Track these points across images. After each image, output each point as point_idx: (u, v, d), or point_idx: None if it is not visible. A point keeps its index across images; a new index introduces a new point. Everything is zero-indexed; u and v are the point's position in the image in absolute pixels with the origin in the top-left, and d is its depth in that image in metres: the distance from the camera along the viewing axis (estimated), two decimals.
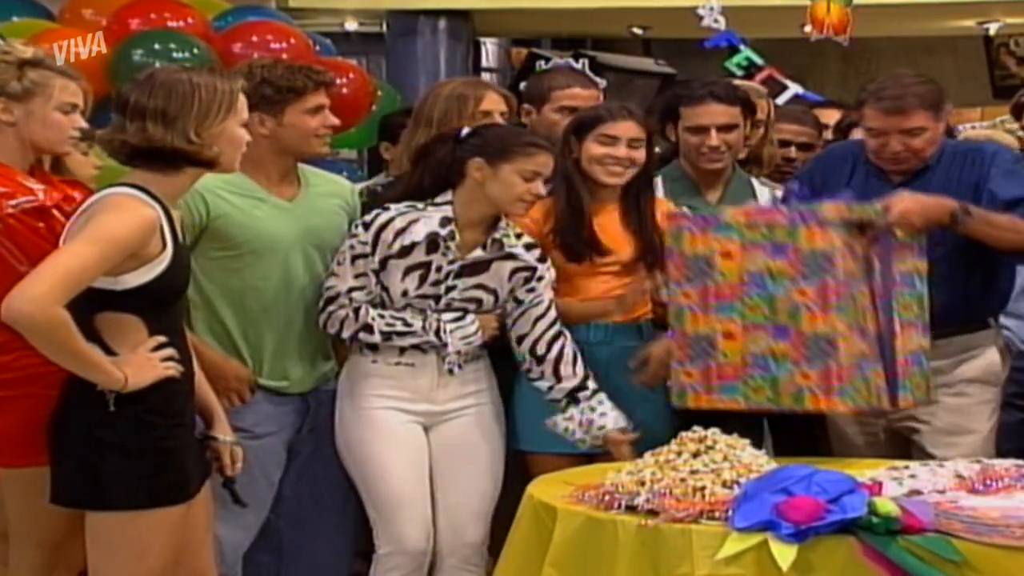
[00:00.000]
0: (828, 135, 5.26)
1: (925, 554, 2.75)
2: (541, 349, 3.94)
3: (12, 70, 3.39)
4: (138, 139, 3.14)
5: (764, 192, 4.51)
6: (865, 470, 3.27)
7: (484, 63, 10.80)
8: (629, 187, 4.10)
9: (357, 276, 3.87)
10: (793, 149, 5.04)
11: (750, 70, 5.87)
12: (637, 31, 10.57)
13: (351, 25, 9.96)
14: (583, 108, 4.45)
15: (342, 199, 4.11)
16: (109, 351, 3.13)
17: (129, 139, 3.15)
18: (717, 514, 2.89)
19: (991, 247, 3.88)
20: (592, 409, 3.89)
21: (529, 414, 4.02)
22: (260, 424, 3.91)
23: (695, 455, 3.08)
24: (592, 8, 9.18)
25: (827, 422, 4.07)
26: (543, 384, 3.94)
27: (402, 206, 3.89)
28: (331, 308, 3.88)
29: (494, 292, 3.93)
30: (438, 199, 3.89)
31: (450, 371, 3.91)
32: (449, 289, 3.89)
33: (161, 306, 3.20)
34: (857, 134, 4.47)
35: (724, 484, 2.98)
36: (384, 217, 3.87)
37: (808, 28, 6.02)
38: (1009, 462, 3.31)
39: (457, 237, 3.86)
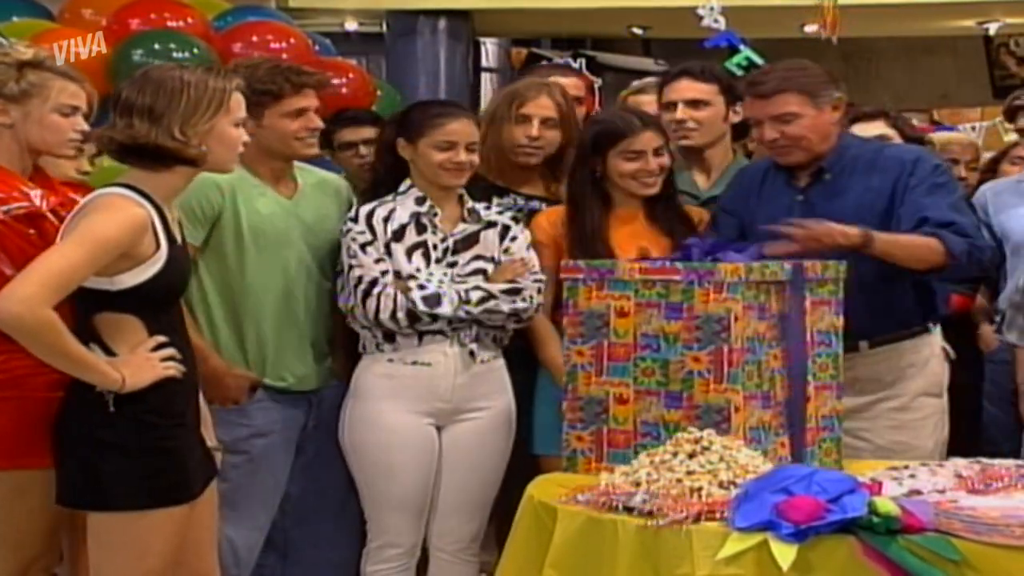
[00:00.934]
0: None
1: (925, 553, 2.75)
2: None
3: (10, 72, 3.38)
4: (124, 135, 3.14)
5: None
6: (865, 470, 3.28)
7: (484, 63, 10.81)
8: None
9: (377, 261, 3.89)
10: None
11: (750, 70, 5.86)
12: (637, 31, 10.58)
13: (351, 25, 9.96)
14: (571, 95, 4.51)
15: (336, 195, 4.13)
16: (109, 351, 3.13)
17: (116, 135, 3.15)
18: (717, 514, 2.89)
19: (908, 267, 3.76)
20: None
21: (546, 418, 4.02)
22: (266, 423, 3.92)
23: (691, 456, 3.06)
24: (592, 8, 9.19)
25: None
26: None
27: (375, 202, 3.98)
28: (376, 290, 3.87)
29: (492, 259, 3.99)
30: (401, 188, 3.99)
31: (471, 354, 3.92)
32: (451, 265, 3.94)
33: (159, 306, 3.19)
34: (856, 130, 4.46)
35: (721, 485, 2.97)
36: (367, 208, 3.96)
37: (816, 28, 6.03)
38: (1009, 462, 3.31)
39: (439, 212, 3.95)
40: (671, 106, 4.43)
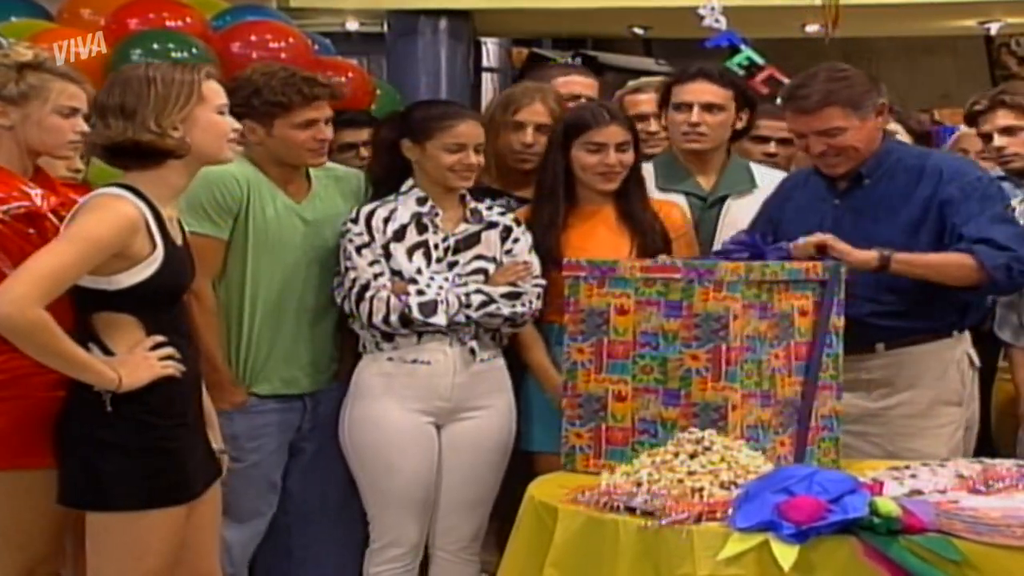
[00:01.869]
0: None
1: (926, 554, 2.75)
2: None
3: (10, 73, 3.38)
4: (102, 137, 3.16)
5: (765, 176, 4.47)
6: (866, 470, 3.28)
7: (485, 63, 10.81)
8: (620, 188, 4.12)
9: (372, 263, 3.89)
10: (772, 144, 5.05)
11: (751, 70, 5.85)
12: (638, 31, 10.56)
13: (352, 25, 9.96)
14: (583, 96, 4.50)
15: (354, 194, 4.12)
16: (107, 351, 3.13)
17: (95, 139, 3.17)
18: (718, 515, 2.89)
19: (943, 284, 3.71)
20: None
21: (538, 415, 4.03)
22: (257, 426, 3.91)
23: (692, 456, 3.06)
24: (593, 8, 9.18)
25: None
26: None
27: (376, 202, 3.98)
28: (369, 294, 3.87)
29: (493, 259, 3.99)
30: (403, 188, 3.99)
31: (472, 352, 3.91)
32: (452, 265, 3.92)
33: (157, 306, 3.19)
34: None
35: (722, 485, 2.98)
36: (367, 208, 3.96)
37: (818, 28, 6.02)
38: (1010, 462, 3.31)
39: (440, 213, 3.95)
40: (684, 107, 4.37)
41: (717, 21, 6.07)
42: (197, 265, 3.62)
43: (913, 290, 3.76)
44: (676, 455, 3.08)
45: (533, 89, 4.52)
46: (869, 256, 3.63)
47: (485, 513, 4.06)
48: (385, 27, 9.48)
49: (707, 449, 3.08)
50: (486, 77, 10.68)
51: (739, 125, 4.48)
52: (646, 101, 4.79)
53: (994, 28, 10.43)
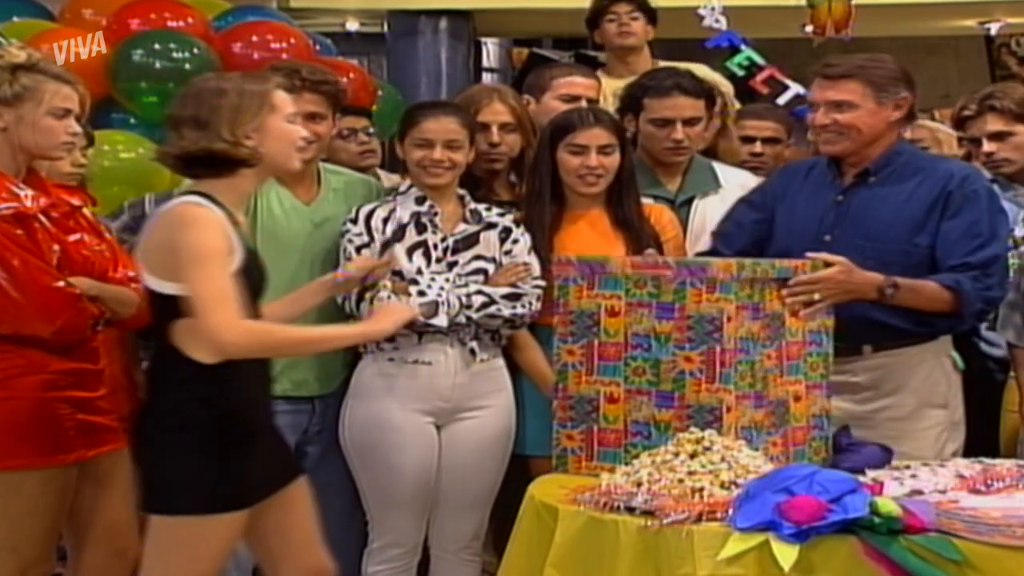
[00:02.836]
0: None
1: (926, 554, 2.75)
2: None
3: (3, 74, 3.38)
4: (177, 148, 3.20)
5: (729, 176, 4.47)
6: (866, 470, 3.28)
7: (485, 63, 10.81)
8: (611, 191, 4.11)
9: None
10: (758, 144, 5.05)
11: (751, 70, 5.84)
12: None
13: (352, 25, 9.97)
14: (584, 97, 4.49)
15: (365, 198, 4.12)
16: (185, 359, 3.12)
17: (170, 150, 3.22)
18: (718, 515, 2.89)
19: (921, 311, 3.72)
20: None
21: (533, 418, 4.02)
22: None
23: (692, 456, 3.06)
24: None
25: None
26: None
27: (376, 201, 4.03)
28: (369, 295, 3.86)
29: (493, 260, 3.99)
30: (401, 188, 4.04)
31: (472, 352, 3.92)
32: (451, 265, 3.93)
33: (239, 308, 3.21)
34: None
35: (722, 485, 2.98)
36: (367, 208, 3.98)
37: (810, 30, 6.00)
38: (1010, 462, 3.31)
39: (439, 213, 3.96)
40: (665, 123, 4.36)
41: (717, 21, 6.06)
42: None
43: None
44: (676, 455, 3.08)
45: (490, 89, 4.54)
46: (875, 280, 3.63)
47: (485, 513, 4.06)
48: (385, 27, 9.49)
49: (707, 449, 3.08)
50: (486, 77, 10.68)
51: (712, 130, 4.51)
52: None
53: (994, 28, 10.45)
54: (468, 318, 3.88)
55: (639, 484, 3.02)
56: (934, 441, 3.84)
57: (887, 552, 2.76)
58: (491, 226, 4.03)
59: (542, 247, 4.02)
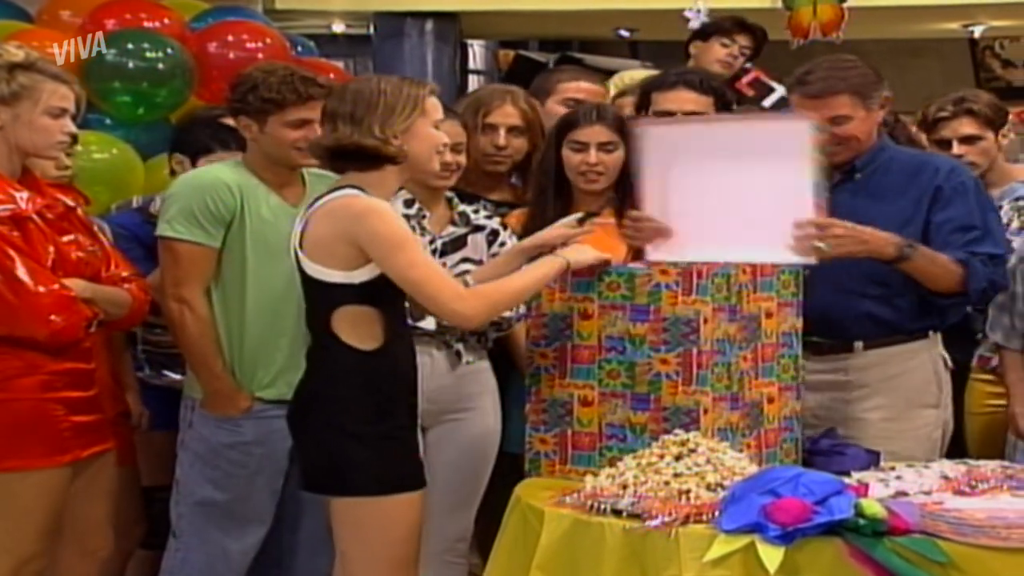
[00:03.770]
0: None
1: (911, 555, 2.76)
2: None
3: (1, 73, 3.37)
4: (330, 140, 3.33)
5: None
6: (852, 471, 3.29)
7: (471, 65, 10.82)
8: (618, 189, 4.11)
9: None
10: None
11: (737, 72, 5.86)
12: (624, 33, 10.59)
13: (338, 27, 9.97)
14: (588, 102, 4.49)
15: None
16: (348, 347, 3.27)
17: (323, 142, 3.36)
18: (704, 517, 2.89)
19: (925, 286, 3.70)
20: None
21: (521, 416, 4.02)
22: (262, 433, 3.89)
23: (677, 458, 3.05)
24: (579, 10, 9.20)
25: None
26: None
27: None
28: None
29: (480, 262, 3.98)
30: None
31: (457, 355, 3.92)
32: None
33: (393, 298, 3.34)
34: None
35: (708, 487, 2.97)
36: None
37: (788, 33, 6.03)
38: (995, 463, 3.32)
39: (428, 215, 3.96)
40: (667, 116, 4.29)
41: (703, 23, 6.08)
42: (188, 274, 3.66)
43: (900, 284, 3.74)
44: (662, 457, 3.07)
45: (502, 91, 4.51)
46: (893, 238, 3.61)
47: (471, 515, 4.06)
48: (371, 29, 9.48)
49: (692, 451, 3.07)
50: (472, 79, 10.69)
51: None
52: (630, 104, 4.79)
53: (978, 31, 10.48)
54: None
55: (625, 486, 3.01)
56: (924, 441, 3.82)
57: (872, 554, 2.76)
58: (479, 229, 4.03)
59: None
